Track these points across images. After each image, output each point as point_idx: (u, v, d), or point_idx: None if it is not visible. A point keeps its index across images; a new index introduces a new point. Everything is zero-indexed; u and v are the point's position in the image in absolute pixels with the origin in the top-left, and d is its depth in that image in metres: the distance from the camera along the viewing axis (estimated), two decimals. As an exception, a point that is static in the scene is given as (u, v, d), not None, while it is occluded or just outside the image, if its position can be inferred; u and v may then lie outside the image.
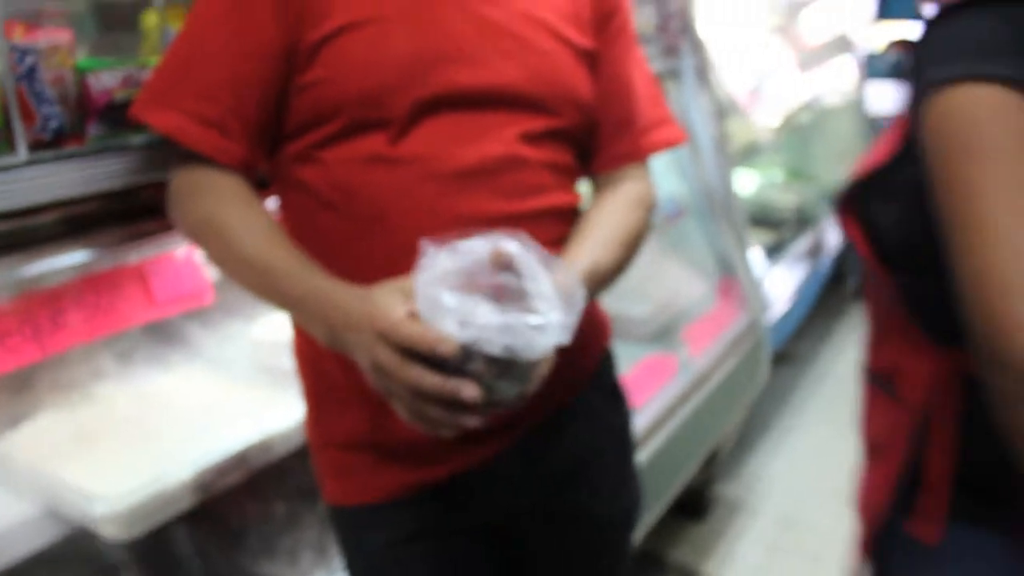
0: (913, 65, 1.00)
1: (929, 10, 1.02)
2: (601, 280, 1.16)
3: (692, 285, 2.88)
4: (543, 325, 0.93)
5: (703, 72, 2.91)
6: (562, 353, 0.98)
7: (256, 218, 1.10)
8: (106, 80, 1.21)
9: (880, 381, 1.18)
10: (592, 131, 1.23)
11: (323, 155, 1.12)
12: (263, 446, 1.46)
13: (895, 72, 5.05)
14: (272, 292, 1.07)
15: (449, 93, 1.10)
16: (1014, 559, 1.07)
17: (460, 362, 0.92)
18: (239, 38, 1.10)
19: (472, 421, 0.96)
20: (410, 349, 0.92)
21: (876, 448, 1.19)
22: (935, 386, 1.08)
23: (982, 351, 0.89)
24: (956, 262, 0.92)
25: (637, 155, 1.27)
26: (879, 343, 1.19)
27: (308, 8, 1.09)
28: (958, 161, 0.93)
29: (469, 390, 0.91)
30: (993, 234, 0.89)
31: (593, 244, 1.16)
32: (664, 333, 2.65)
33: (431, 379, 0.92)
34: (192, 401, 1.59)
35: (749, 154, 3.72)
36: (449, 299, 0.91)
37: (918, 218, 1.00)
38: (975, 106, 0.93)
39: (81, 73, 1.19)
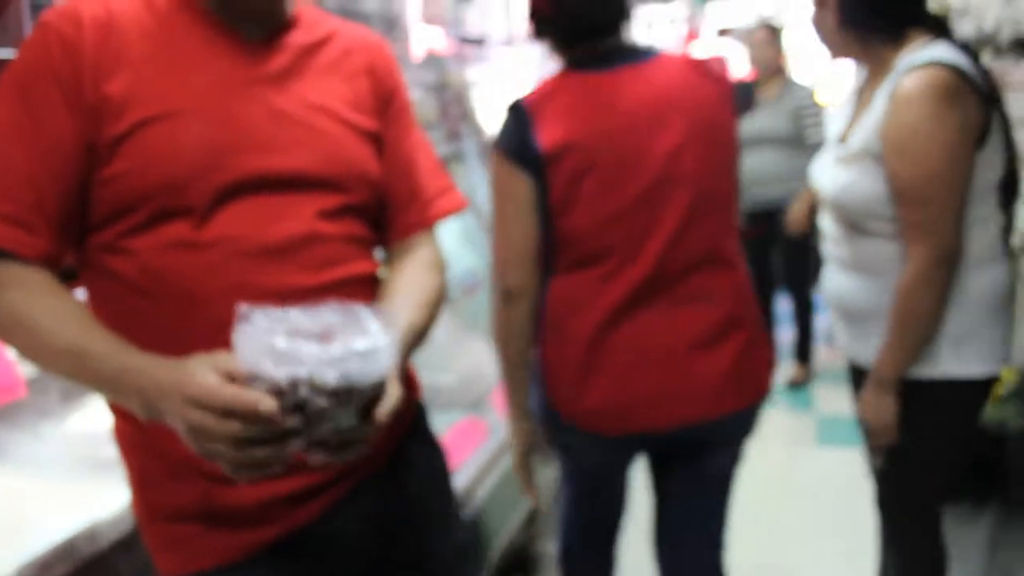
0: None
1: None
2: (417, 337, 1.26)
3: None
4: (373, 349, 0.98)
5: (486, 153, 3.12)
6: None
7: (63, 306, 1.13)
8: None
9: None
10: (382, 205, 1.35)
11: (130, 244, 1.16)
12: (89, 535, 1.45)
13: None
14: (86, 375, 1.10)
15: (246, 179, 1.18)
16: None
17: (297, 402, 0.96)
18: (33, 137, 1.12)
19: (319, 458, 1.02)
20: (230, 411, 0.97)
21: None
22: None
23: (494, 280, 1.77)
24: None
25: (426, 223, 1.40)
26: None
27: (105, 104, 1.13)
28: (492, 191, 1.77)
29: (265, 403, 0.95)
30: (498, 228, 1.76)
31: (404, 306, 1.25)
32: (472, 400, 2.76)
33: (240, 397, 0.96)
34: (6, 504, 1.56)
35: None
36: (280, 342, 0.95)
37: None
38: (494, 163, 1.76)
39: None
